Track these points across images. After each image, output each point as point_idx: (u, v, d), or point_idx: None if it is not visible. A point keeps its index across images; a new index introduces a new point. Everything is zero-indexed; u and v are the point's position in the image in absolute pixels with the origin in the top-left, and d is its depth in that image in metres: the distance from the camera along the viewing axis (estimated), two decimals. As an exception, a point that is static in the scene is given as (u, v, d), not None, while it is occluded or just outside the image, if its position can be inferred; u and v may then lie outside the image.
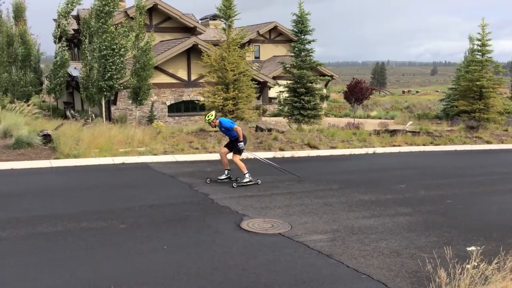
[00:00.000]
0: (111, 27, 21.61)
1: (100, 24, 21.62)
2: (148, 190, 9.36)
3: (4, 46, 26.10)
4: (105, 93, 22.28)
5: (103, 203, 8.20)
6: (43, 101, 40.36)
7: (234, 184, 9.72)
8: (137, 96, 23.03)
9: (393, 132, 18.42)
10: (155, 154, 13.08)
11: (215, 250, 6.01)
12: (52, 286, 4.85)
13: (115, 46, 21.50)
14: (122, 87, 22.89)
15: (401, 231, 7.00)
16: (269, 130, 16.86)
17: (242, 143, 9.97)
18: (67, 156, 12.21)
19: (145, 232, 6.67)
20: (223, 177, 10.13)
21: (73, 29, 29.49)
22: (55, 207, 7.85)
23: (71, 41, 33.41)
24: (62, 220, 7.08)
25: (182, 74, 27.28)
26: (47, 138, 13.69)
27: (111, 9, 21.62)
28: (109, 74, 21.67)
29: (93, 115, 23.06)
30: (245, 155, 10.83)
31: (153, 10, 30.19)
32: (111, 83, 21.87)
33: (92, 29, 22.71)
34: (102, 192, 9.03)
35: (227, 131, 10.19)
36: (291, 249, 6.12)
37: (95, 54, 21.96)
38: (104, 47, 21.49)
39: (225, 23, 17.34)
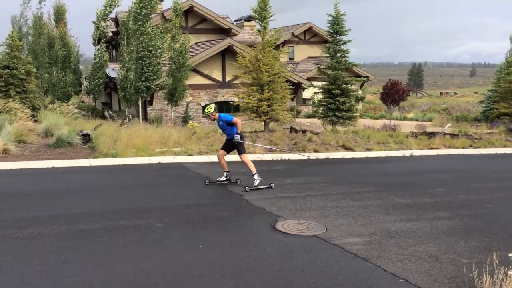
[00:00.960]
0: (148, 29, 21.98)
1: (138, 26, 22.03)
2: (183, 189, 9.46)
3: (45, 48, 26.91)
4: (141, 94, 22.68)
5: (140, 202, 8.34)
6: (82, 102, 41.41)
7: (247, 188, 9.38)
8: (173, 97, 23.36)
9: (431, 135, 18.07)
10: (190, 155, 13.22)
11: (250, 251, 6.02)
12: (92, 283, 4.96)
13: (152, 48, 21.86)
14: (158, 88, 23.26)
15: (439, 235, 6.85)
16: (304, 131, 16.79)
17: (238, 136, 9.62)
18: (105, 155, 12.48)
19: (181, 231, 6.74)
20: (222, 179, 9.99)
21: (112, 31, 30.15)
22: (94, 205, 8.03)
23: (110, 43, 34.16)
24: (101, 217, 7.24)
25: (217, 75, 27.49)
26: (86, 137, 14.03)
27: (148, 12, 22.01)
28: (146, 75, 22.06)
29: (130, 116, 23.51)
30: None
31: (189, 12, 30.57)
32: (148, 84, 22.25)
33: (129, 31, 23.17)
34: (139, 191, 9.18)
35: (225, 125, 9.82)
36: (327, 252, 6.07)
37: (132, 55, 22.39)
38: (141, 49, 21.88)
39: (260, 25, 17.38)
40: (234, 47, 25.95)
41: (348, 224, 7.25)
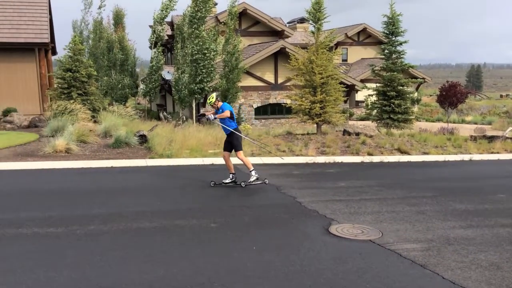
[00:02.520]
0: (203, 32, 22.36)
1: (193, 29, 22.44)
2: (236, 191, 9.54)
3: (105, 51, 27.89)
4: (195, 95, 23.09)
5: (195, 202, 8.48)
6: (138, 103, 42.60)
7: (243, 184, 9.59)
8: (226, 99, 23.63)
9: (491, 138, 17.35)
10: (243, 156, 13.29)
11: (304, 253, 5.99)
12: (150, 280, 5.08)
13: (206, 51, 22.21)
14: (211, 90, 23.60)
15: (501, 243, 6.56)
16: (357, 134, 16.55)
17: (211, 115, 9.43)
18: (161, 156, 12.78)
19: (235, 232, 6.80)
20: (227, 180, 9.91)
21: (167, 35, 30.85)
22: (151, 204, 8.24)
23: (165, 46, 34.99)
24: (158, 216, 7.42)
25: (269, 77, 27.57)
26: (142, 138, 14.42)
27: (203, 15, 22.38)
28: (200, 77, 22.44)
29: (184, 117, 23.98)
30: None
31: (242, 15, 30.83)
32: (202, 86, 22.64)
33: (184, 34, 23.66)
34: (194, 191, 9.34)
35: (224, 118, 9.55)
36: (383, 257, 5.94)
37: (187, 58, 22.83)
38: (195, 52, 22.28)
39: (314, 26, 17.28)
40: (286, 49, 25.95)
41: (404, 230, 7.07)
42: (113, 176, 10.60)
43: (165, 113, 28.95)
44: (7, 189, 9.12)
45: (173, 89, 24.12)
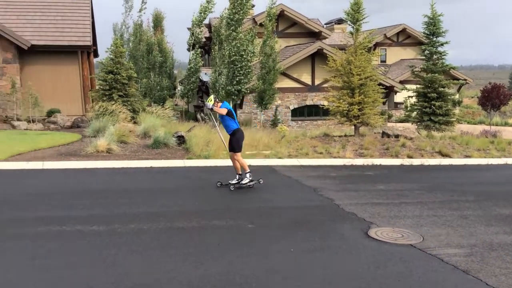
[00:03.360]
0: (240, 34, 22.48)
1: (230, 31, 22.59)
2: (273, 192, 9.53)
3: (144, 54, 28.41)
4: (232, 97, 23.23)
5: (232, 203, 8.52)
6: (176, 105, 43.17)
7: (231, 187, 9.49)
8: (262, 100, 23.70)
9: (537, 142, 16.71)
10: (279, 158, 13.29)
11: (342, 257, 5.93)
12: (189, 279, 5.14)
13: (243, 52, 22.31)
14: (248, 91, 23.71)
15: (549, 251, 6.31)
16: (396, 136, 16.26)
17: (210, 104, 9.35)
18: (198, 156, 12.90)
19: (272, 233, 6.79)
20: (234, 181, 9.81)
21: (205, 37, 31.17)
22: (189, 204, 8.33)
23: (203, 48, 35.36)
24: (196, 216, 7.49)
25: (306, 78, 27.46)
26: (180, 139, 14.60)
27: (240, 17, 22.50)
28: (237, 79, 22.56)
29: (221, 118, 24.12)
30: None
31: (279, 16, 30.82)
32: (239, 87, 22.75)
33: (222, 36, 23.84)
34: (231, 192, 9.38)
35: (224, 116, 9.49)
36: (424, 262, 5.82)
37: (224, 60, 23.00)
38: (233, 53, 22.41)
39: (352, 27, 17.10)
40: (324, 50, 25.79)
41: (446, 234, 6.90)
42: (152, 176, 10.78)
43: (202, 114, 29.24)
44: (52, 188, 9.41)
45: (210, 90, 24.34)
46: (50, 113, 19.98)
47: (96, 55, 28.13)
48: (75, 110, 20.93)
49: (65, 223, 6.90)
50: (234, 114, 9.72)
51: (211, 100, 9.53)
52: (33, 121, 19.03)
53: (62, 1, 23.08)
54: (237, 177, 9.85)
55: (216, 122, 9.94)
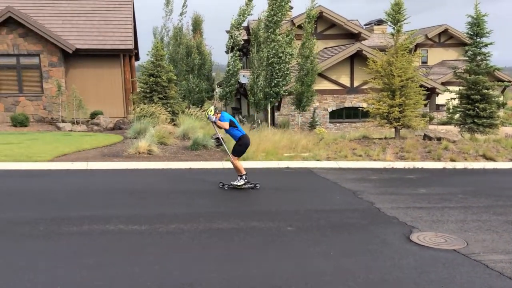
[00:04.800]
0: (278, 36, 22.48)
1: (269, 33, 22.62)
2: (312, 194, 9.48)
3: (184, 57, 28.79)
4: (270, 99, 23.25)
5: (271, 205, 8.52)
6: (214, 107, 43.47)
7: (226, 186, 9.54)
8: (300, 102, 23.61)
9: None
10: (318, 160, 13.20)
11: (383, 261, 5.83)
12: (230, 280, 5.17)
13: (281, 54, 22.30)
14: (286, 94, 23.66)
15: None
16: (438, 139, 15.88)
17: (213, 117, 9.40)
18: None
19: (311, 236, 6.74)
20: (241, 182, 9.77)
21: (243, 39, 31.33)
22: (227, 205, 8.38)
23: (241, 50, 35.55)
24: (235, 218, 7.53)
25: (345, 80, 27.19)
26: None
27: (279, 19, 22.50)
28: (275, 81, 22.56)
29: (259, 120, 24.20)
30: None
31: (318, 18, 30.62)
32: (277, 89, 22.75)
33: (260, 38, 23.89)
34: (270, 194, 9.39)
35: (225, 128, 9.51)
36: (468, 268, 5.65)
37: (262, 62, 23.04)
38: (271, 55, 22.43)
39: (393, 28, 16.82)
40: (363, 52, 25.49)
41: (491, 240, 6.68)
42: (192, 177, 10.90)
43: (240, 116, 29.38)
44: (95, 188, 9.65)
45: (248, 92, 24.42)
46: (94, 115, 20.53)
47: (137, 58, 28.75)
48: (117, 112, 21.44)
49: (108, 222, 7.07)
50: (236, 122, 9.70)
51: (211, 111, 9.55)
52: (77, 123, 19.59)
53: (105, 6, 23.70)
54: (244, 177, 9.82)
55: (219, 133, 9.92)
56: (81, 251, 5.93)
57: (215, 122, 9.55)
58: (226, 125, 9.38)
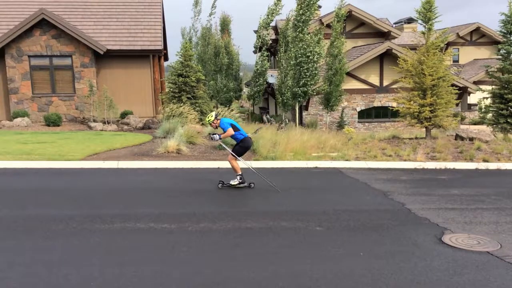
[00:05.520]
0: (307, 36, 22.39)
1: (297, 33, 22.56)
2: (341, 195, 9.41)
3: (212, 57, 29.00)
4: (298, 99, 23.18)
5: (300, 205, 8.48)
6: (241, 106, 43.73)
7: (220, 185, 9.57)
8: (328, 102, 23.46)
9: None
10: (347, 160, 13.10)
11: (415, 263, 5.74)
12: (258, 279, 5.17)
13: (309, 54, 22.21)
14: (314, 93, 23.55)
15: None
16: (471, 139, 15.55)
17: (216, 135, 9.44)
18: (265, 158, 12.98)
19: (340, 237, 6.69)
20: (240, 181, 9.77)
21: (271, 39, 31.35)
22: (256, 205, 8.39)
23: (269, 50, 35.60)
24: (263, 217, 7.53)
25: (374, 79, 26.89)
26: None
27: (307, 18, 22.42)
28: (303, 81, 22.48)
29: (287, 120, 24.16)
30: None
31: (347, 17, 30.38)
32: (305, 89, 22.66)
33: (288, 38, 23.85)
34: (299, 194, 9.36)
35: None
36: (502, 270, 5.51)
37: (290, 61, 22.99)
38: (299, 55, 22.36)
39: (424, 26, 16.54)
40: (393, 51, 25.16)
41: (527, 243, 6.51)
42: (220, 177, 10.92)
43: (268, 116, 29.40)
44: (126, 186, 9.80)
45: (276, 92, 24.42)
46: (124, 114, 20.86)
47: (166, 58, 29.05)
48: (146, 112, 21.73)
49: (139, 220, 7.16)
50: (237, 125, 9.72)
51: (212, 116, 9.64)
52: (108, 123, 19.93)
53: (135, 7, 24.04)
54: (238, 177, 9.83)
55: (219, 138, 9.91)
56: (113, 248, 6.03)
57: (221, 139, 9.64)
58: (230, 131, 9.44)
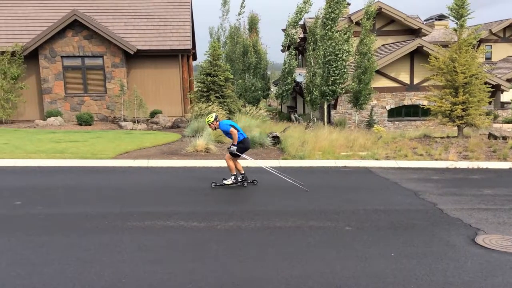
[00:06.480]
0: (336, 34, 22.23)
1: (326, 31, 22.41)
2: (371, 194, 9.31)
3: (240, 56, 29.07)
4: (327, 97, 23.02)
5: (328, 204, 8.43)
6: (269, 105, 43.73)
7: (212, 184, 9.56)
8: (358, 101, 23.24)
9: None
10: (376, 159, 12.95)
11: (447, 264, 5.63)
12: (287, 278, 5.17)
13: (338, 52, 22.04)
14: (343, 92, 23.36)
15: None
16: (504, 138, 15.17)
17: (234, 148, 9.42)
18: (293, 157, 12.94)
19: (371, 237, 6.62)
20: (239, 178, 9.78)
21: (299, 38, 31.24)
22: (285, 204, 8.37)
23: (297, 49, 35.47)
24: (292, 216, 7.52)
25: (404, 77, 26.49)
26: (275, 139, 14.74)
27: (336, 16, 22.25)
28: (332, 79, 22.32)
29: (315, 119, 24.04)
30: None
31: (376, 14, 30.03)
32: (334, 87, 22.50)
33: (316, 36, 23.72)
34: (327, 193, 9.30)
35: (226, 134, 9.69)
36: (539, 274, 5.36)
37: (319, 60, 22.86)
38: (328, 53, 22.21)
39: (456, 23, 16.21)
40: (424, 48, 24.73)
41: None
42: (249, 176, 10.95)
43: (296, 115, 29.31)
44: (156, 185, 9.92)
45: (304, 91, 24.32)
46: (153, 114, 21.12)
47: (194, 58, 29.28)
48: (175, 111, 21.94)
49: (169, 218, 7.25)
50: (237, 126, 9.76)
51: (211, 117, 9.69)
52: (138, 122, 20.22)
53: (164, 8, 24.30)
54: (241, 176, 9.86)
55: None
56: (144, 246, 6.12)
57: (235, 145, 9.52)
58: (234, 131, 9.46)
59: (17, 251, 5.87)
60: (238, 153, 9.58)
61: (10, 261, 5.57)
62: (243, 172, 9.91)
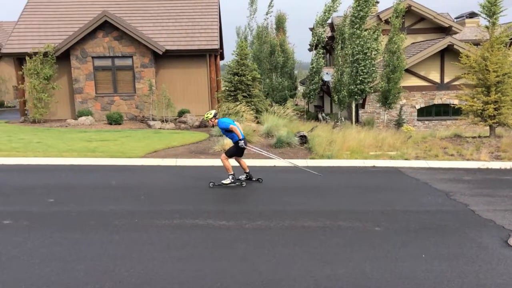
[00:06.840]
0: (364, 32, 22.01)
1: (354, 29, 22.22)
2: (400, 194, 9.18)
3: (267, 55, 29.06)
4: (355, 96, 22.82)
5: (357, 204, 8.36)
6: (296, 105, 43.60)
7: (211, 184, 9.50)
8: (386, 100, 22.95)
9: None
10: (406, 159, 12.77)
11: (479, 266, 5.52)
12: (316, 278, 5.15)
13: (367, 50, 21.82)
14: (372, 91, 23.11)
15: None
16: (539, 138, 14.75)
17: (242, 142, 9.43)
18: (321, 156, 12.87)
19: (400, 237, 6.54)
20: (242, 177, 9.78)
21: (327, 37, 31.05)
22: (313, 204, 8.34)
23: (324, 48, 35.26)
24: (320, 216, 7.48)
25: (434, 76, 26.03)
26: (303, 139, 14.68)
27: (365, 14, 22.03)
28: (360, 78, 22.11)
29: (342, 118, 23.87)
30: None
31: (406, 12, 29.58)
32: (362, 87, 22.29)
33: (345, 35, 23.52)
34: (356, 193, 9.22)
35: (224, 132, 9.72)
36: None
37: (347, 59, 22.67)
38: (356, 52, 22.01)
39: (488, 21, 15.84)
40: (454, 46, 24.25)
41: None
42: (275, 175, 10.97)
43: (323, 114, 29.15)
44: (184, 183, 10.01)
45: (331, 90, 24.16)
46: (181, 113, 21.31)
47: (222, 57, 29.40)
48: (202, 111, 22.05)
49: (198, 217, 7.30)
50: (235, 124, 9.69)
51: (210, 114, 9.72)
52: (166, 121, 20.43)
53: (192, 8, 24.48)
54: (245, 175, 9.90)
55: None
56: (173, 243, 6.18)
57: (243, 140, 9.56)
58: (234, 127, 9.44)
59: (51, 248, 6.01)
60: (245, 146, 9.66)
61: (44, 257, 5.70)
62: (247, 170, 9.99)
